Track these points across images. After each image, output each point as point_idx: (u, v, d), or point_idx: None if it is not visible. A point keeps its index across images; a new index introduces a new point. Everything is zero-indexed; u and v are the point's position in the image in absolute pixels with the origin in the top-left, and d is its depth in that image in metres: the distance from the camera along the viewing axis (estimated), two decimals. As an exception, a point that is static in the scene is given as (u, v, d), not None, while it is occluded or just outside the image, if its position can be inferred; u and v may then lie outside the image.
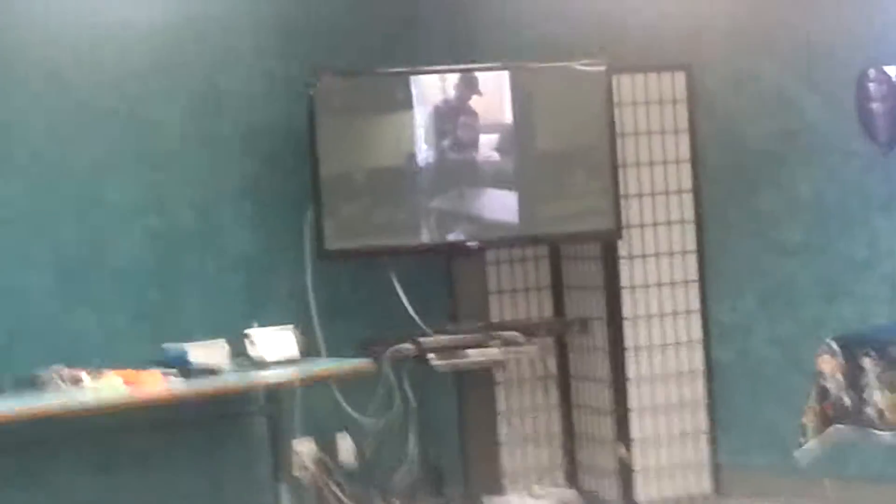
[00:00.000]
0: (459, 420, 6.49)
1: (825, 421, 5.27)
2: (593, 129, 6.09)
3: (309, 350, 5.87)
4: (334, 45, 6.27)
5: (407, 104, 6.02)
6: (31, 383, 5.21)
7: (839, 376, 5.25)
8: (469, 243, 6.14)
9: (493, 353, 6.05)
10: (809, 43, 6.11)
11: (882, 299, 5.93)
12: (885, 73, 5.71)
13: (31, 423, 5.10)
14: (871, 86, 5.62)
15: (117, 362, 5.37)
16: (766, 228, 6.27)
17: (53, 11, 5.74)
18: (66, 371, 5.33)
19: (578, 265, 6.44)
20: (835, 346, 5.41)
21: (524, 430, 6.62)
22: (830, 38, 6.02)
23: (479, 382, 6.30)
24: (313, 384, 5.95)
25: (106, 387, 5.33)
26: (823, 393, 5.26)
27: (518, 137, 6.17)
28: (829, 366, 5.26)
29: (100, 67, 5.69)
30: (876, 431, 5.12)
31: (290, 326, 5.80)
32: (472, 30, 6.77)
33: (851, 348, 5.34)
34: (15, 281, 5.45)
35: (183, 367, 5.47)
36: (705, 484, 6.45)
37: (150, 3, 6.02)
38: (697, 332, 6.33)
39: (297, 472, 6.05)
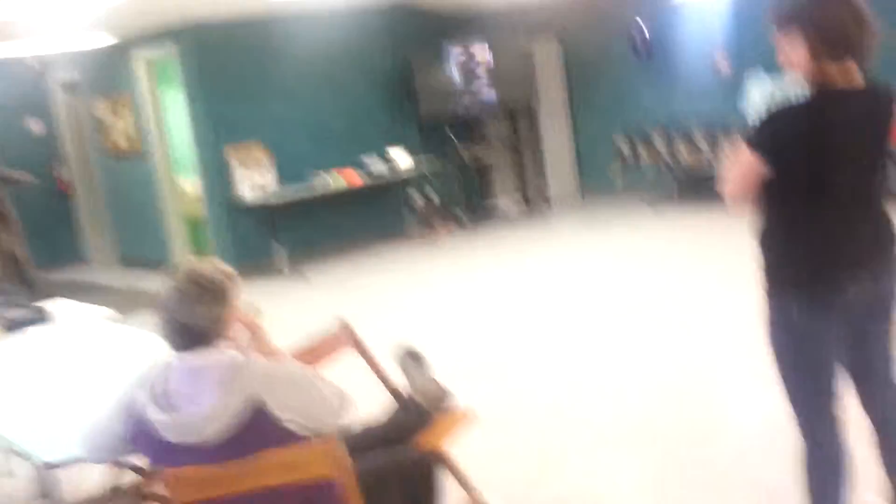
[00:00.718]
0: (479, 185, 9.28)
1: (625, 169, 8.05)
2: (525, 66, 8.73)
3: (416, 162, 8.56)
4: (416, 40, 8.73)
5: (447, 59, 8.53)
6: (306, 178, 8.09)
7: (628, 148, 8.14)
8: (478, 114, 8.71)
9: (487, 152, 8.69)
10: (611, 17, 8.48)
11: (644, 115, 8.35)
12: (640, 25, 8.15)
13: (312, 200, 7.96)
14: (635, 33, 8.21)
15: (336, 166, 8.32)
16: (595, 96, 8.79)
17: (300, 49, 8.28)
18: (321, 171, 7.92)
19: (521, 116, 9.05)
20: (623, 136, 8.17)
21: (504, 181, 9.47)
22: (620, 13, 8.32)
23: (490, 167, 9.22)
24: (418, 173, 8.62)
25: (334, 178, 8.16)
26: (620, 154, 8.11)
27: (495, 69, 8.61)
28: (623, 144, 8.16)
29: (332, 74, 8.50)
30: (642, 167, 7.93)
31: (406, 150, 8.51)
32: (473, 23, 9.03)
33: (637, 133, 8.12)
34: (295, 141, 8.24)
35: (363, 169, 8.30)
36: (577, 194, 9.15)
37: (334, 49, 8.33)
38: (570, 136, 9.12)
39: (414, 207, 8.82)
